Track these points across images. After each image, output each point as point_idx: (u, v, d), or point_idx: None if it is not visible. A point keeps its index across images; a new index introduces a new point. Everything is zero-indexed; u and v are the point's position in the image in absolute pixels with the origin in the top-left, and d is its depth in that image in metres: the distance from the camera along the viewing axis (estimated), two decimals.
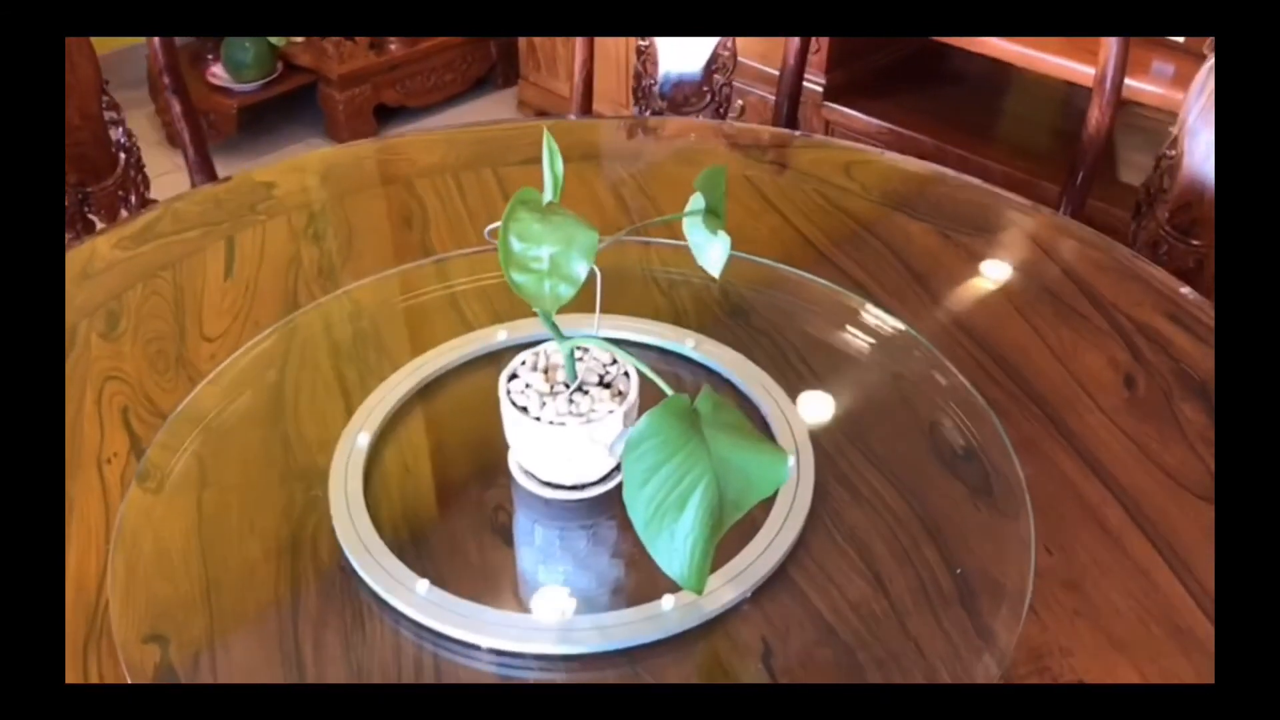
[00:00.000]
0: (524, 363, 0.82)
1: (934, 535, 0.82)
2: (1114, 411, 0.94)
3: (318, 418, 0.93)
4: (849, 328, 1.04)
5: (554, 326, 0.75)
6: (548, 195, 0.70)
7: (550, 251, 0.65)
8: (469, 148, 1.33)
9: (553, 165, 0.70)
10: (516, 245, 0.66)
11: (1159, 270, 1.12)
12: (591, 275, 0.75)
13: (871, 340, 1.03)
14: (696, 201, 0.76)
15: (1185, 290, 1.08)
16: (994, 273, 1.12)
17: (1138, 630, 0.76)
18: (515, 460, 0.84)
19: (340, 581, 0.79)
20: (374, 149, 1.36)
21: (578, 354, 0.82)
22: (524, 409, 0.79)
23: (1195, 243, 1.46)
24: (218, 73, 2.67)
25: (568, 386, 0.80)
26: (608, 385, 0.80)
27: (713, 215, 0.75)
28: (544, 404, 0.78)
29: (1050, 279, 1.10)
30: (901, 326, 1.02)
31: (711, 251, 0.77)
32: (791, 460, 0.86)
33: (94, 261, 1.12)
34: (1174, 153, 1.45)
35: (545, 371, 0.81)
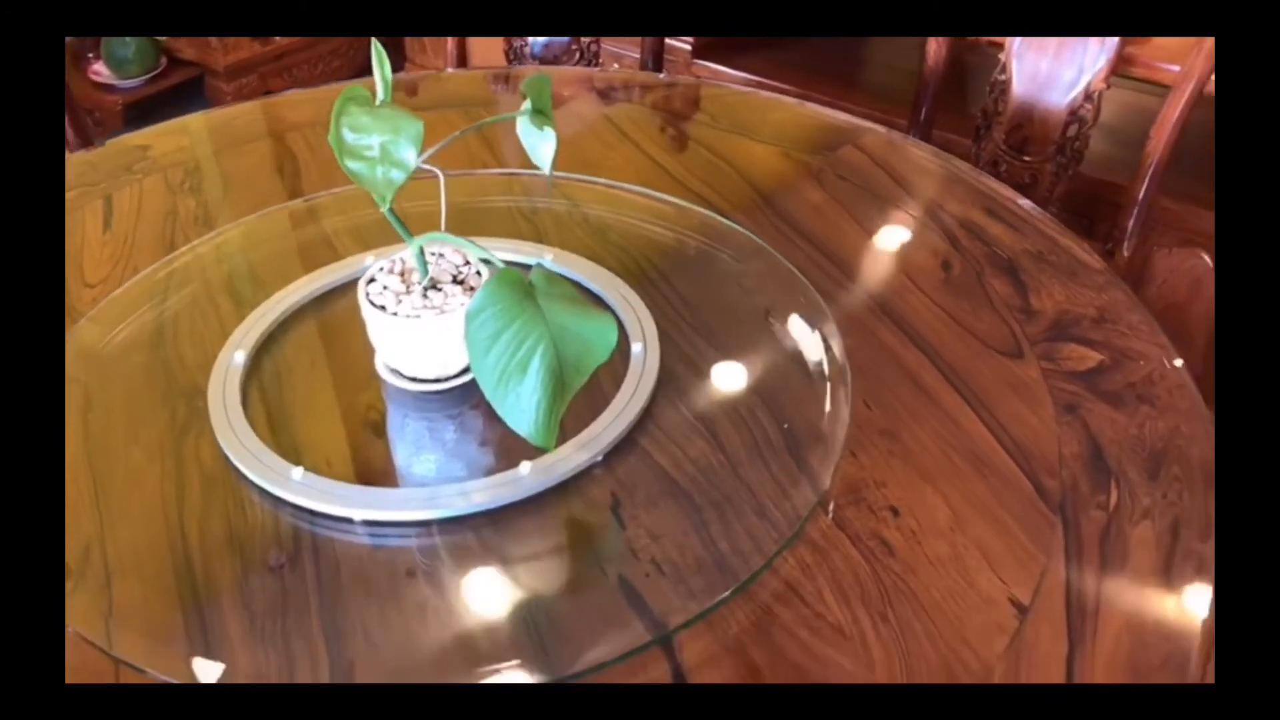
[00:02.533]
0: (381, 269, 0.89)
1: (766, 400, 0.91)
2: (931, 290, 1.04)
3: (196, 344, 0.99)
4: (695, 236, 1.13)
5: (399, 223, 0.82)
6: (380, 97, 0.76)
7: (380, 140, 0.72)
8: None
9: (381, 70, 0.77)
10: (349, 136, 0.73)
11: (973, 169, 1.22)
12: (436, 178, 0.83)
13: (715, 245, 1.11)
14: (525, 105, 0.83)
15: (999, 186, 1.19)
16: (830, 184, 1.21)
17: (943, 463, 0.85)
18: (382, 361, 0.91)
19: (222, 477, 0.85)
20: (246, 110, 1.41)
21: (432, 258, 0.89)
22: (382, 307, 0.85)
23: (1027, 159, 1.58)
24: (100, 70, 2.67)
25: (424, 287, 0.87)
26: (461, 283, 0.88)
27: (540, 114, 0.82)
28: (400, 301, 0.85)
29: (880, 186, 1.20)
30: (742, 231, 1.11)
31: (542, 148, 0.84)
32: (638, 346, 0.94)
33: None
34: (1004, 77, 1.57)
35: (401, 275, 0.88)
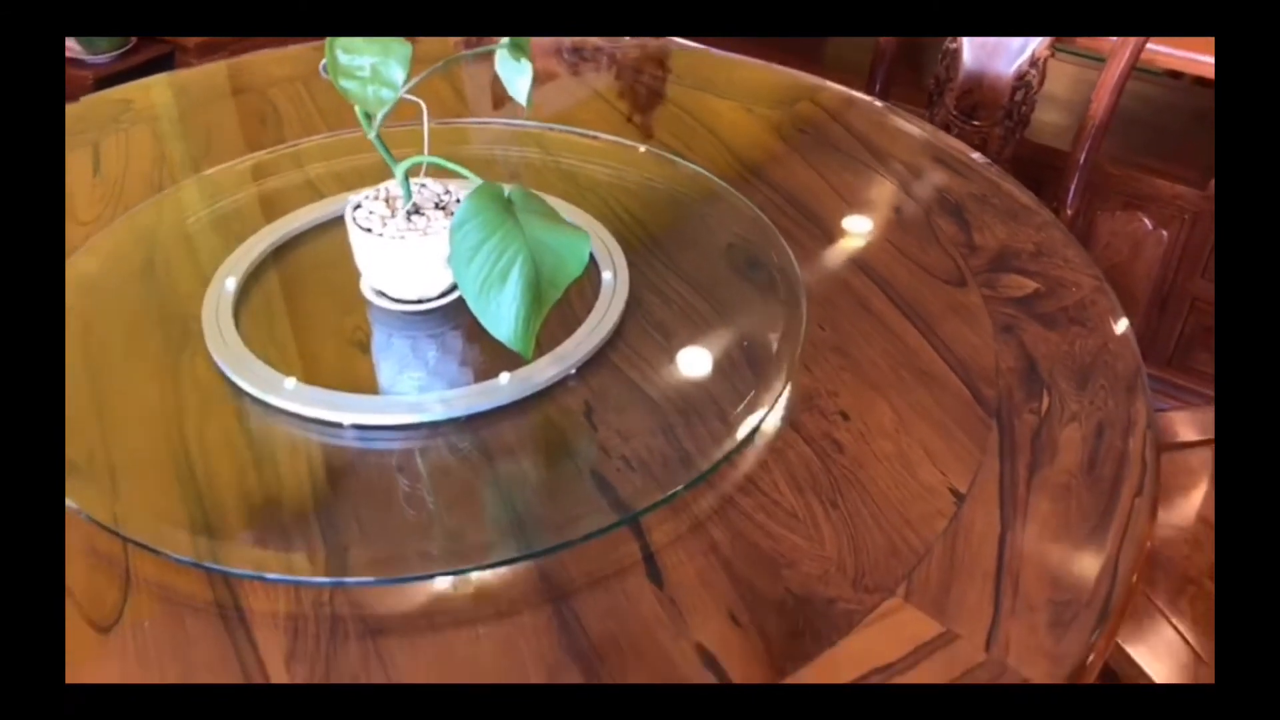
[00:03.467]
0: (368, 196, 0.95)
1: (727, 323, 0.98)
2: (882, 229, 1.11)
3: (187, 275, 1.04)
4: (662, 180, 1.20)
5: (385, 149, 0.88)
6: None
7: (371, 61, 0.78)
8: (318, 59, 1.44)
9: None
10: (342, 57, 0.78)
11: (928, 126, 1.30)
12: (418, 107, 0.88)
13: (681, 188, 1.18)
14: (503, 40, 0.89)
15: (948, 139, 1.26)
16: (789, 135, 1.28)
17: (890, 376, 0.92)
18: (368, 284, 0.97)
19: (217, 390, 0.90)
20: (224, 67, 1.46)
21: (416, 188, 0.95)
22: (368, 229, 0.91)
23: (977, 123, 1.66)
24: (71, 45, 2.69)
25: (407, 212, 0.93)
26: (443, 209, 0.94)
27: (518, 48, 0.88)
28: (385, 223, 0.91)
29: (836, 138, 1.27)
30: (707, 175, 1.18)
31: (519, 81, 0.90)
32: (608, 274, 1.00)
33: None
34: (954, 45, 1.65)
35: (387, 201, 0.94)
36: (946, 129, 1.67)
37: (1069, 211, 1.61)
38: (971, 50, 1.63)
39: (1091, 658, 0.71)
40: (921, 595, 0.74)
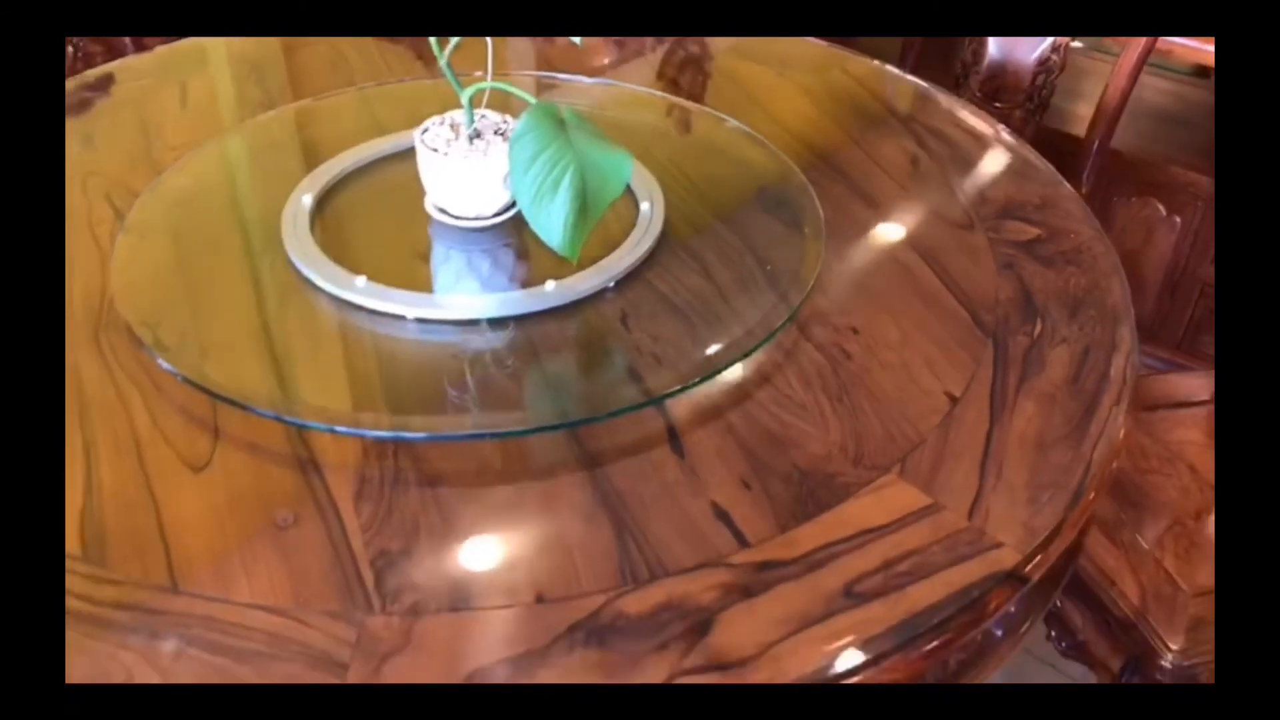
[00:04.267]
0: (435, 122, 1.06)
1: (753, 250, 1.08)
2: (900, 178, 1.20)
3: (268, 193, 1.14)
4: (700, 131, 1.30)
5: (453, 75, 0.99)
6: None
7: None
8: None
9: None
10: None
11: (949, 94, 1.39)
12: (483, 43, 0.99)
13: (716, 138, 1.28)
14: None
15: (968, 106, 1.35)
16: (818, 98, 1.38)
17: (899, 301, 1.02)
18: (431, 202, 1.07)
19: (295, 287, 1.01)
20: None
21: (478, 115, 1.06)
22: (434, 149, 1.02)
23: (999, 105, 1.75)
24: None
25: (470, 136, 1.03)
26: (502, 135, 1.04)
27: None
28: (450, 145, 1.02)
29: (862, 101, 1.37)
30: (741, 127, 1.27)
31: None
32: (646, 204, 1.10)
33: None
34: None
35: (452, 126, 1.05)
36: None
37: (1083, 193, 1.69)
38: (995, 40, 1.72)
39: (1062, 532, 0.80)
40: (914, 474, 0.83)
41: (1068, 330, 0.98)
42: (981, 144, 1.27)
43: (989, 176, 1.21)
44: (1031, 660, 1.62)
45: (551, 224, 0.92)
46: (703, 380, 0.90)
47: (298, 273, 1.02)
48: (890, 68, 1.47)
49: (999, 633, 0.82)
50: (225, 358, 0.93)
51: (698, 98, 1.37)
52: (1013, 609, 0.81)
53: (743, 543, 0.77)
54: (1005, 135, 1.30)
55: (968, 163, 1.23)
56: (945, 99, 1.38)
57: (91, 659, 0.69)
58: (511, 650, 0.70)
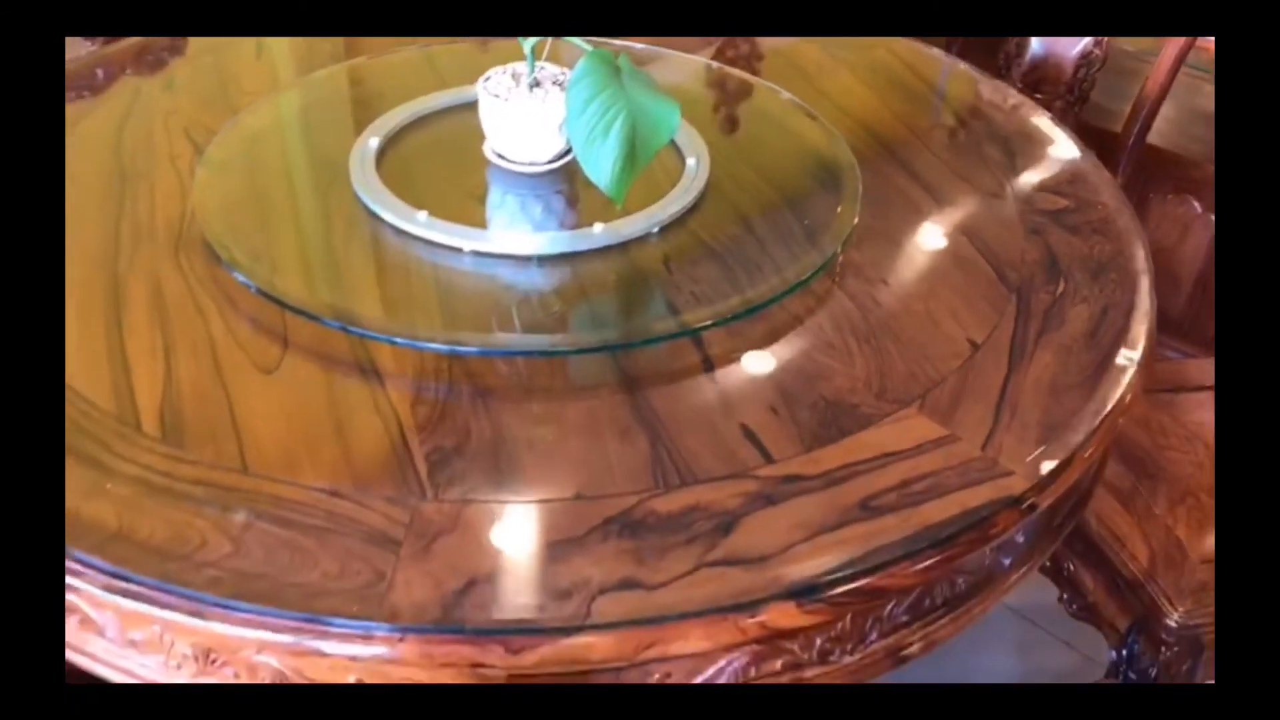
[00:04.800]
0: (498, 71, 1.12)
1: (792, 207, 1.13)
2: (938, 150, 1.26)
3: (338, 136, 1.21)
4: (751, 100, 1.35)
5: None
6: None
7: None
8: None
9: None
10: None
11: (991, 77, 1.44)
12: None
13: (765, 106, 1.34)
14: None
15: (1009, 89, 1.40)
16: (862, 74, 1.43)
17: (928, 257, 1.07)
18: (490, 147, 1.14)
19: (360, 218, 1.08)
20: None
21: (538, 67, 1.12)
22: (496, 95, 1.08)
23: (1040, 95, 1.79)
24: None
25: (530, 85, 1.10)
26: (559, 85, 1.11)
27: None
28: (511, 91, 1.09)
29: (904, 78, 1.42)
30: (788, 96, 1.33)
31: None
32: (692, 160, 1.16)
33: (131, 49, 1.39)
34: None
35: (513, 76, 1.11)
36: None
37: (1120, 181, 1.73)
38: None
39: (1071, 467, 0.85)
40: (933, 409, 0.89)
41: (1089, 291, 1.03)
42: (1018, 122, 1.32)
43: (1022, 151, 1.26)
44: (1046, 638, 1.67)
45: (601, 166, 0.98)
46: (738, 317, 0.96)
47: (364, 207, 1.08)
48: (934, 51, 1.52)
49: (1006, 561, 0.87)
50: (295, 276, 1.00)
51: (751, 69, 1.42)
52: (1020, 539, 0.86)
53: (768, 459, 0.83)
54: (1043, 116, 1.34)
55: (1003, 138, 1.28)
56: (985, 80, 1.42)
57: (170, 526, 0.76)
58: (551, 537, 0.76)
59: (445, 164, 1.18)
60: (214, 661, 0.74)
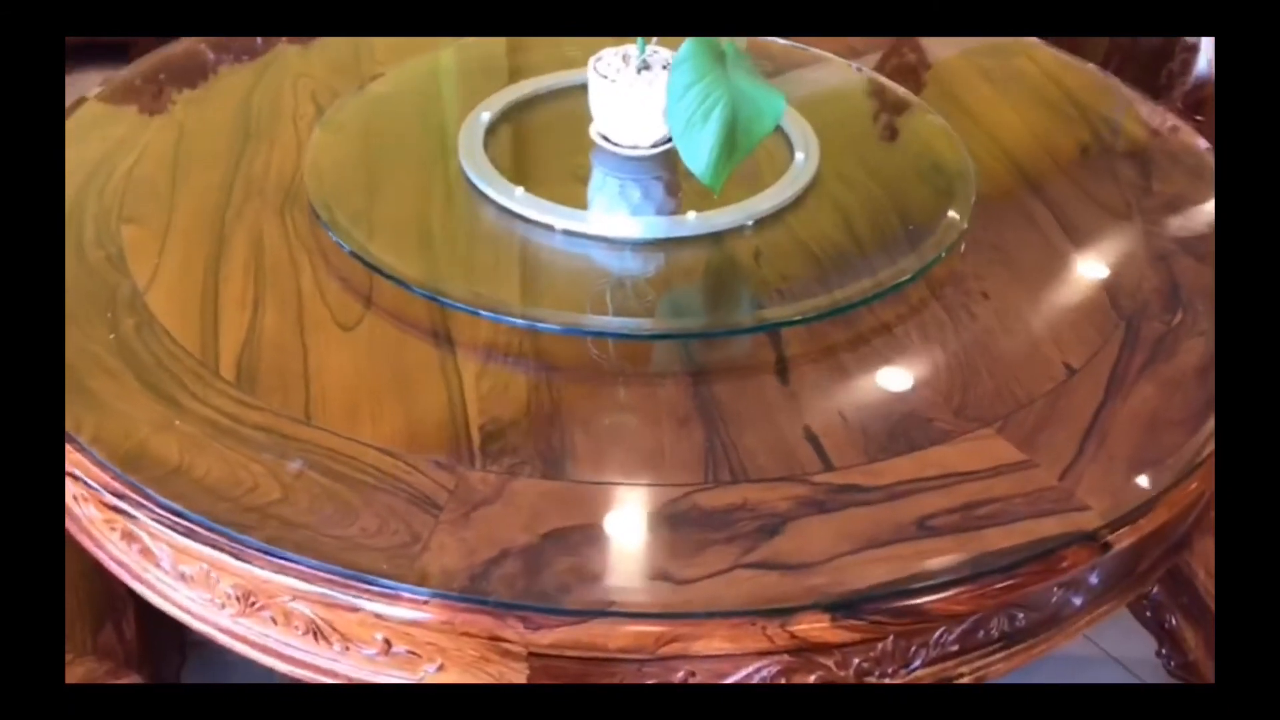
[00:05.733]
0: (610, 53, 1.12)
1: (899, 212, 1.09)
2: (1065, 165, 1.19)
3: (455, 109, 1.23)
4: (875, 98, 1.31)
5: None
6: None
7: None
8: None
9: None
10: None
11: (1130, 87, 1.35)
12: None
13: (887, 107, 1.29)
14: None
15: (1154, 106, 1.32)
16: (997, 79, 1.37)
17: (1036, 274, 1.01)
18: (595, 130, 1.14)
19: (462, 189, 1.09)
20: None
21: (650, 51, 1.11)
22: (604, 76, 1.08)
23: (1199, 118, 1.68)
24: None
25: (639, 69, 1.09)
26: (668, 69, 1.09)
27: None
28: (619, 72, 1.08)
29: (1041, 86, 1.35)
30: (909, 94, 1.28)
31: None
32: (801, 155, 1.13)
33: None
34: (1192, 42, 1.68)
35: (624, 58, 1.11)
36: None
37: None
38: (1208, 51, 1.65)
39: (1155, 509, 0.79)
40: (1014, 432, 0.84)
41: (1209, 324, 0.96)
42: (1159, 141, 1.24)
43: (1160, 172, 1.18)
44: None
45: (698, 152, 0.96)
46: (821, 317, 0.93)
47: (466, 179, 1.10)
48: (1079, 61, 1.44)
49: (1077, 601, 0.81)
50: (388, 239, 1.01)
51: (880, 72, 1.38)
52: (1094, 579, 0.80)
53: (828, 465, 0.80)
54: (1190, 137, 1.26)
55: (1139, 156, 1.20)
56: (1131, 94, 1.34)
57: (227, 467, 0.79)
58: (589, 519, 0.75)
59: (552, 142, 1.19)
60: (254, 604, 0.76)
